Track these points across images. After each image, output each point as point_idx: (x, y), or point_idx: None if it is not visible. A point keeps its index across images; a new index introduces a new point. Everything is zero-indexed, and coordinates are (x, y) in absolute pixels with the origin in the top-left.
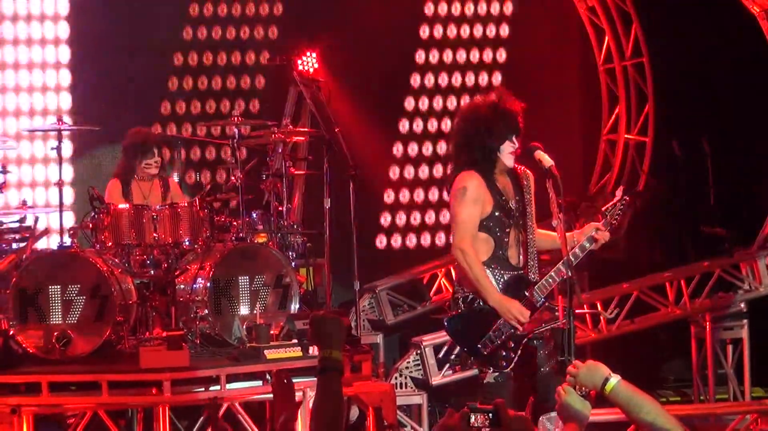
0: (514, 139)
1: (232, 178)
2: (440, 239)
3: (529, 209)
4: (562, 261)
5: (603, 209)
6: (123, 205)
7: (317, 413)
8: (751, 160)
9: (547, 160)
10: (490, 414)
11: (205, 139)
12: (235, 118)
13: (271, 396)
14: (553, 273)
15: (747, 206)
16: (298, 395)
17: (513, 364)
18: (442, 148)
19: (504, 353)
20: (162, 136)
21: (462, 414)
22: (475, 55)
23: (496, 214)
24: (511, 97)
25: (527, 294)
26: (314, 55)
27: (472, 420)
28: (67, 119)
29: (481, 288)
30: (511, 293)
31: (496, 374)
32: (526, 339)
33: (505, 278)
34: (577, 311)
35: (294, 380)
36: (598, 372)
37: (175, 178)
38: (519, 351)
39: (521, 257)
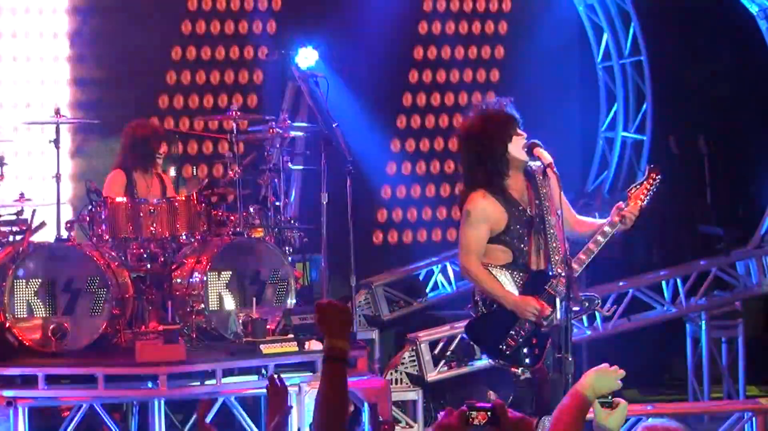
0: (518, 130)
1: (230, 172)
2: (437, 235)
3: (548, 205)
4: (582, 250)
5: (628, 190)
6: (120, 199)
7: (322, 402)
8: (748, 160)
9: (546, 157)
10: (489, 413)
11: (203, 133)
12: (233, 113)
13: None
14: (575, 265)
15: (743, 205)
16: (294, 390)
17: (540, 361)
18: (439, 144)
19: (527, 350)
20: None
21: (460, 412)
22: (473, 52)
23: (512, 227)
24: (492, 97)
25: (547, 289)
26: (312, 49)
27: (471, 418)
28: (65, 112)
29: (496, 296)
30: (531, 291)
31: (529, 370)
32: (551, 334)
33: (525, 280)
34: (574, 308)
35: (290, 375)
36: (613, 383)
37: (172, 172)
38: (545, 347)
39: (543, 261)
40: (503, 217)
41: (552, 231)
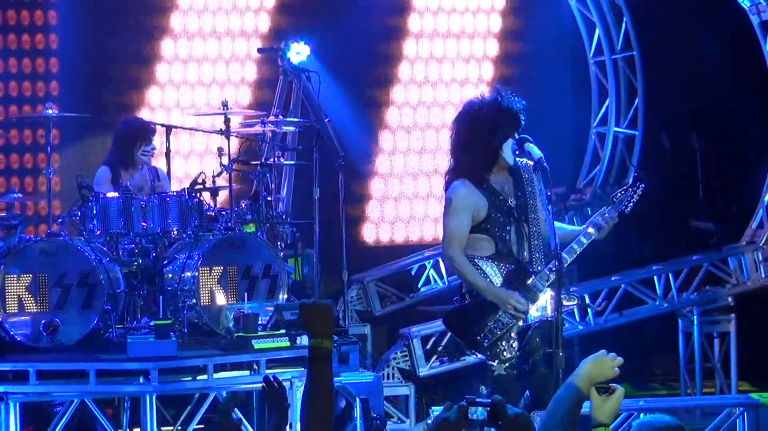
0: (516, 135)
1: (221, 167)
2: (429, 231)
3: (532, 202)
4: (565, 250)
5: (612, 196)
6: (112, 194)
7: (308, 401)
8: (740, 155)
9: (536, 152)
10: (489, 409)
11: (195, 128)
12: (225, 108)
13: (257, 385)
14: (556, 263)
15: (735, 201)
16: (286, 385)
17: (517, 354)
18: (431, 138)
19: (505, 344)
20: (155, 125)
21: (460, 407)
22: (465, 47)
23: (493, 215)
24: (511, 94)
25: (529, 284)
26: (304, 45)
27: (471, 413)
28: (55, 106)
29: (478, 287)
30: (513, 284)
31: (506, 365)
32: (530, 331)
33: (510, 271)
34: (565, 303)
35: (281, 370)
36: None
37: (164, 167)
38: (523, 342)
39: (526, 252)
40: (484, 205)
41: (535, 228)
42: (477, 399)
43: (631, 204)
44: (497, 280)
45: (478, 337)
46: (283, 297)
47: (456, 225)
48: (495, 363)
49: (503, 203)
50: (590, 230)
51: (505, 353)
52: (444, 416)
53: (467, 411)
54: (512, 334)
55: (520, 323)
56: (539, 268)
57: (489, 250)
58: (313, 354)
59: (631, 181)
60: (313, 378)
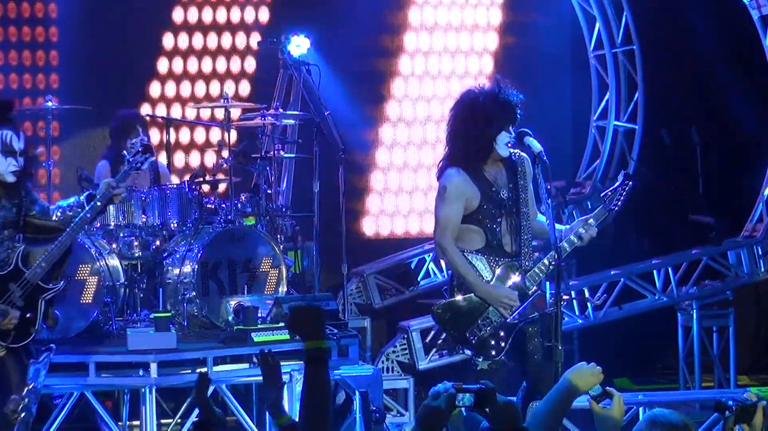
0: (511, 129)
1: (221, 160)
2: (429, 223)
3: (524, 195)
4: (552, 250)
5: (602, 195)
6: None
7: (307, 403)
8: (740, 149)
9: (536, 146)
10: (475, 396)
11: (195, 121)
12: (225, 101)
13: (257, 379)
14: (546, 261)
15: (735, 195)
16: (285, 378)
17: (504, 352)
18: (431, 132)
19: (494, 341)
20: (149, 117)
21: (447, 394)
22: (465, 40)
23: (485, 206)
24: (510, 87)
25: (519, 282)
26: (305, 37)
27: (458, 400)
28: (56, 99)
29: (468, 281)
30: (503, 280)
31: (489, 361)
32: (517, 327)
33: (499, 265)
34: (564, 297)
35: (281, 363)
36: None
37: (164, 160)
38: (510, 339)
39: (515, 246)
40: (476, 195)
41: (525, 221)
42: (464, 386)
43: (620, 202)
44: (487, 275)
45: (467, 334)
46: (282, 290)
47: (449, 213)
48: (480, 360)
49: (495, 194)
50: (573, 238)
51: (492, 351)
52: (433, 404)
53: (454, 397)
54: (501, 332)
55: (508, 320)
56: (528, 263)
57: (479, 242)
58: (310, 356)
59: (620, 179)
60: (312, 379)
